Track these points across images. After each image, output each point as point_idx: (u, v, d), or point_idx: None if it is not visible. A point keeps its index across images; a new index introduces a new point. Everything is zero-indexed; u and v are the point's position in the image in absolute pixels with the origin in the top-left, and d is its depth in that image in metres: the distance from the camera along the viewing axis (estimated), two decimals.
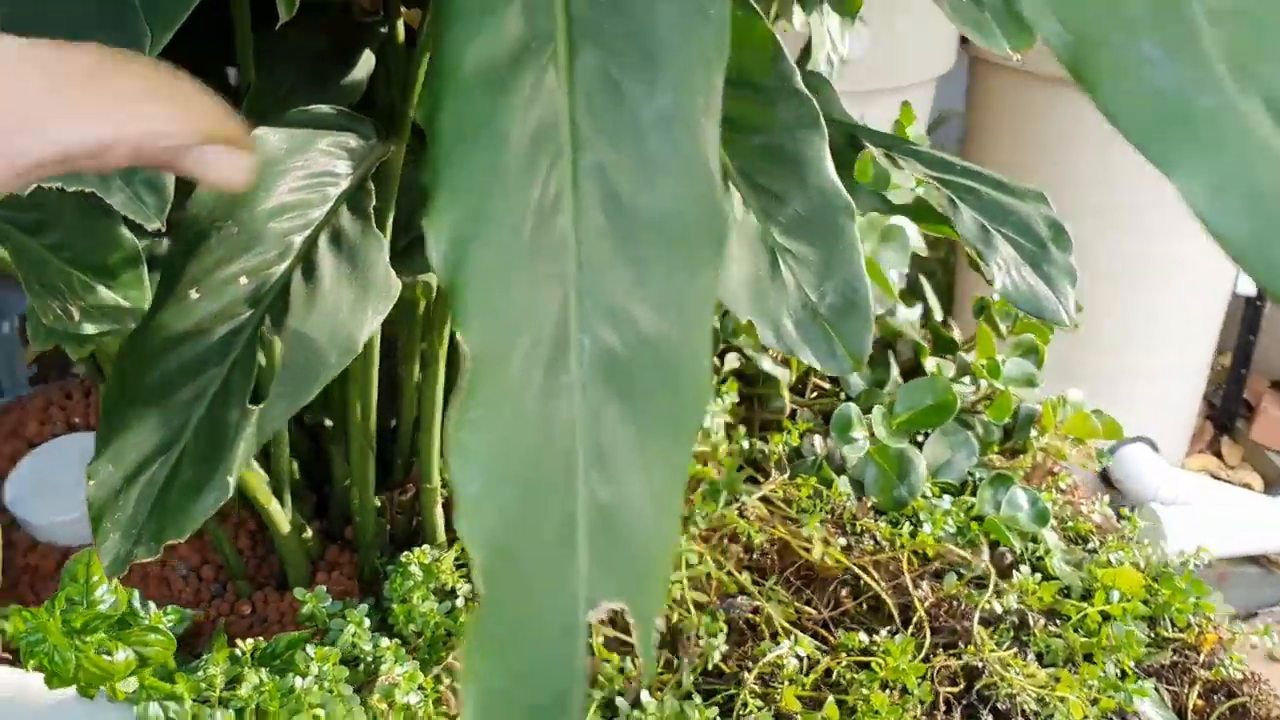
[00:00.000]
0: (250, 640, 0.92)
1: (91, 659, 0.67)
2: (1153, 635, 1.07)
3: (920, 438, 1.23)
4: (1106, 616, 1.05)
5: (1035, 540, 1.15)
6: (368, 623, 0.95)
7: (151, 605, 0.78)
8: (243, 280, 0.57)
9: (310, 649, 0.89)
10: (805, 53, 0.96)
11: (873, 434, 1.13)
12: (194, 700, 0.84)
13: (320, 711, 0.87)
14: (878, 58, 1.91)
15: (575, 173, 0.33)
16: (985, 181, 0.69)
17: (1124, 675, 1.00)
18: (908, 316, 1.52)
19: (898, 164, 0.67)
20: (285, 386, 0.55)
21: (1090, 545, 1.18)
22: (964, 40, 2.15)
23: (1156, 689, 1.02)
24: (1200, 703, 1.01)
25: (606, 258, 0.33)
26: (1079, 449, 1.32)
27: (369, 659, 0.94)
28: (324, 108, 0.64)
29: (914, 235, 1.36)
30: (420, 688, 0.90)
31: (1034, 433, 1.29)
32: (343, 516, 1.15)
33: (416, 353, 1.02)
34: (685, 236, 0.34)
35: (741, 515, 1.10)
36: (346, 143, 0.63)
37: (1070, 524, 1.20)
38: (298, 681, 0.88)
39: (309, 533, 1.12)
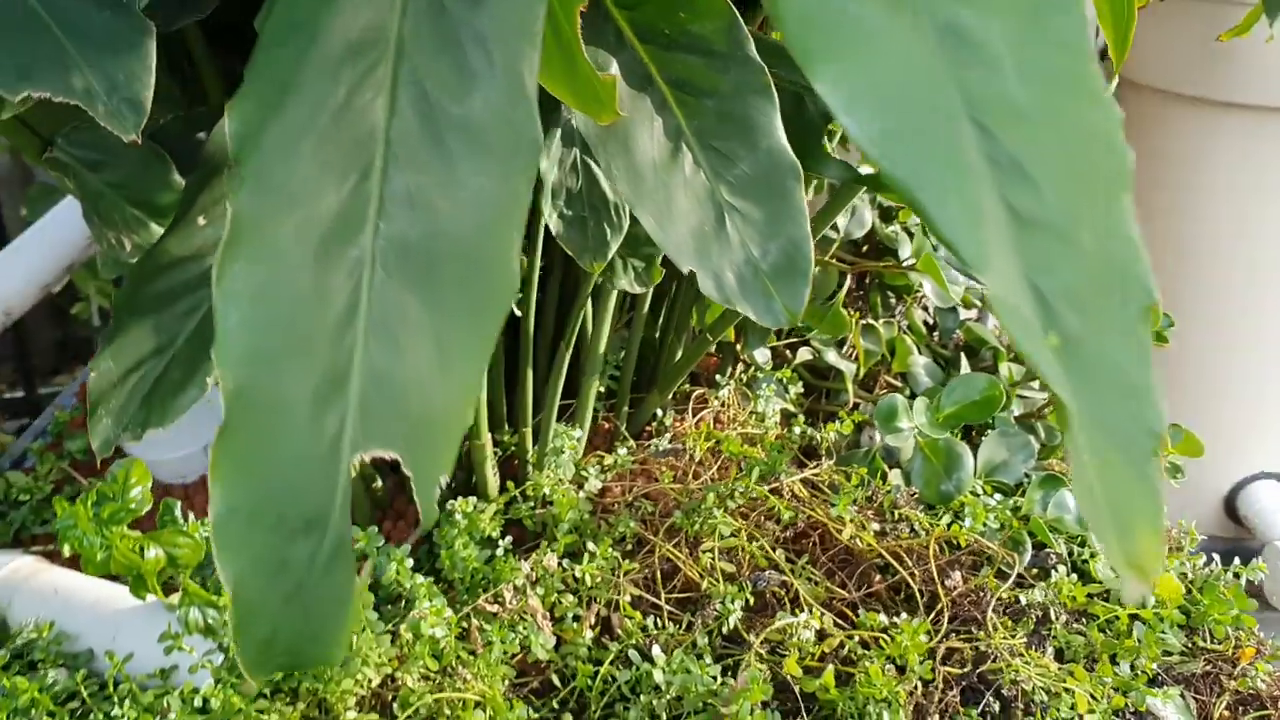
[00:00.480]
0: None
1: (121, 549, 0.76)
2: (1189, 645, 1.06)
3: (979, 437, 1.24)
4: (1141, 621, 1.04)
5: (1083, 544, 1.15)
6: (410, 563, 1.02)
7: (191, 515, 0.87)
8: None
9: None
10: None
11: (919, 426, 1.15)
12: None
13: (354, 634, 0.95)
14: None
15: (395, 77, 0.38)
16: None
17: (1151, 681, 1.00)
18: (993, 322, 1.52)
19: None
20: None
21: None
22: (1103, 55, 2.12)
23: (1183, 696, 1.01)
24: (1227, 714, 1.00)
25: (414, 155, 0.38)
26: None
27: (409, 597, 1.02)
28: None
29: None
30: (446, 622, 0.97)
31: None
32: None
33: None
34: (496, 145, 0.39)
35: (779, 495, 1.13)
36: None
37: None
38: None
39: (379, 483, 1.21)
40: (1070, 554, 1.14)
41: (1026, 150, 0.31)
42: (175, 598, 0.93)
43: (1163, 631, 1.05)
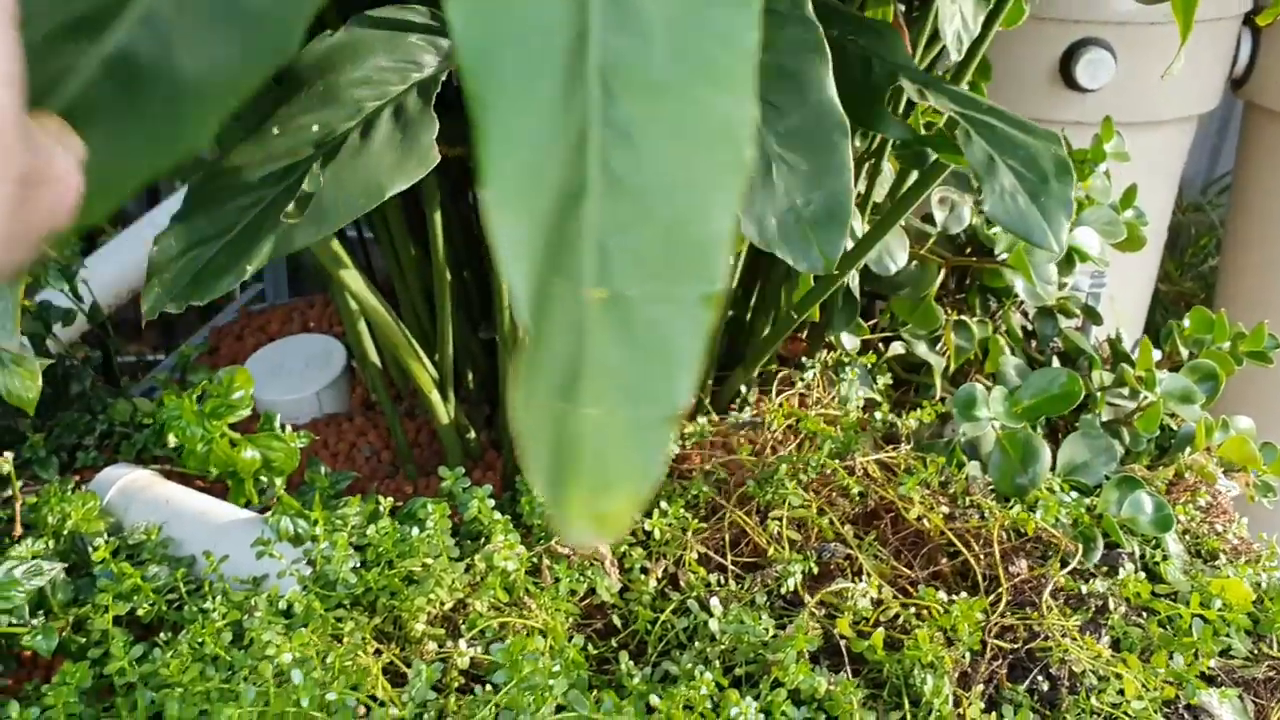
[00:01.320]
0: (390, 499, 1.07)
1: (220, 445, 0.84)
2: (1255, 650, 1.05)
3: (1064, 437, 1.25)
4: (1204, 622, 1.04)
5: (1156, 545, 1.15)
6: (491, 502, 1.08)
7: (289, 426, 0.94)
8: (314, 128, 0.72)
9: (430, 506, 1.04)
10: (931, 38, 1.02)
11: (997, 415, 1.16)
12: (325, 526, 1.00)
13: (429, 560, 1.01)
14: (1130, 91, 1.90)
15: None
16: (1005, 120, 0.74)
17: (1210, 680, 1.00)
18: (1097, 334, 1.52)
19: (927, 98, 0.73)
20: (317, 212, 0.69)
21: (1217, 563, 1.16)
22: (1235, 83, 2.09)
23: (1241, 698, 1.00)
24: None
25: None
26: (1238, 475, 1.29)
27: (487, 533, 1.08)
28: (421, 10, 0.78)
29: (1094, 244, 1.37)
30: (518, 557, 1.03)
31: (1187, 452, 1.27)
32: (506, 427, 1.29)
33: None
34: None
35: (851, 473, 1.16)
36: (438, 41, 0.77)
37: (1201, 541, 1.18)
38: (413, 531, 1.02)
39: (473, 434, 1.28)
40: (1142, 555, 1.14)
41: (645, 121, 0.31)
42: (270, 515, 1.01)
43: (1227, 634, 1.04)
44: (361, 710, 0.84)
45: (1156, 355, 1.50)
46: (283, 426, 0.93)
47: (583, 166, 0.32)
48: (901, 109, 1.14)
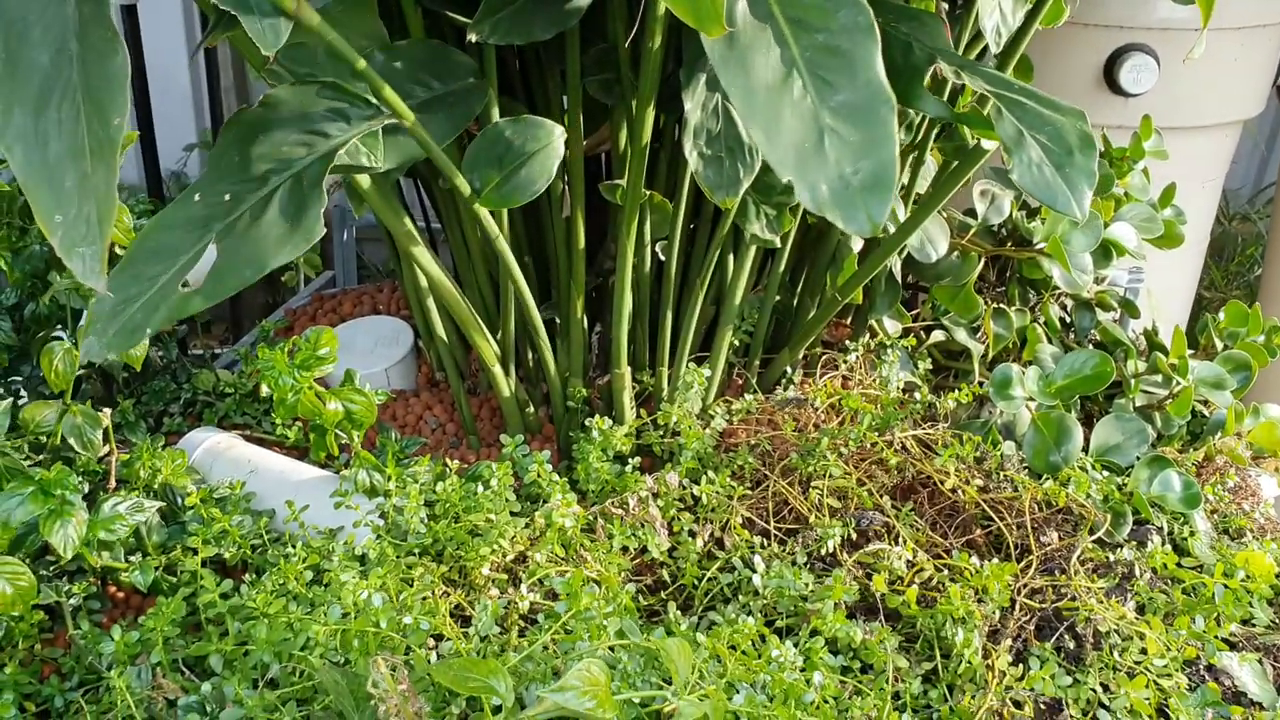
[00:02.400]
0: (457, 462, 1.15)
1: (307, 395, 0.92)
2: (1276, 620, 1.10)
3: (1095, 421, 1.30)
4: (1227, 589, 1.09)
5: (1185, 522, 1.19)
6: (549, 466, 1.15)
7: (368, 384, 1.02)
8: (226, 197, 0.81)
9: (494, 465, 1.11)
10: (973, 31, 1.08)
11: (1031, 393, 1.22)
12: (398, 482, 1.08)
13: (492, 515, 1.08)
14: (1173, 95, 1.94)
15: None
16: (1035, 99, 0.80)
17: (1232, 646, 1.05)
18: (1135, 326, 1.57)
19: (963, 78, 0.80)
20: (211, 281, 0.78)
21: (1243, 539, 1.20)
22: None
23: (1261, 662, 1.05)
24: None
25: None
26: (1268, 461, 1.34)
27: (545, 495, 1.15)
28: (341, 89, 0.87)
29: (1130, 238, 1.42)
30: (575, 515, 1.09)
31: (1218, 436, 1.32)
32: (563, 401, 1.37)
33: (630, 260, 1.21)
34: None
35: (890, 446, 1.22)
36: (346, 113, 0.86)
37: (1229, 519, 1.23)
38: (479, 489, 1.10)
39: (531, 409, 1.36)
40: (1171, 531, 1.19)
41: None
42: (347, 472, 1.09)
43: (1249, 603, 1.09)
44: (431, 641, 0.91)
45: (1191, 350, 1.54)
46: (365, 384, 1.01)
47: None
48: (946, 95, 1.20)
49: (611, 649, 0.90)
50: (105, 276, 0.68)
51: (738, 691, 0.85)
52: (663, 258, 1.21)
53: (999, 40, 1.04)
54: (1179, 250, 2.09)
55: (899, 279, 1.36)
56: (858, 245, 1.31)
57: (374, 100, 0.88)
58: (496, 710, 0.72)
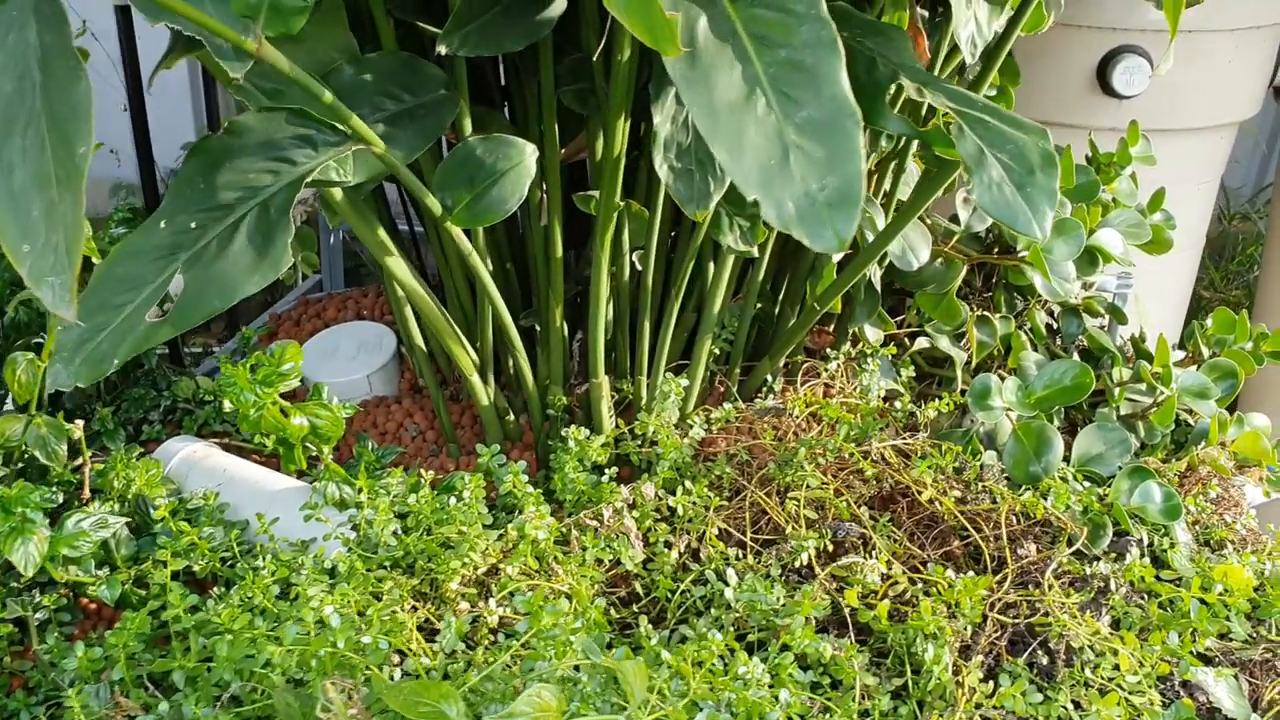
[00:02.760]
0: (432, 473, 1.14)
1: (270, 411, 0.91)
2: (1254, 634, 1.09)
3: (1080, 430, 1.29)
4: (1205, 605, 1.08)
5: (1165, 534, 1.19)
6: (525, 478, 1.15)
7: (336, 398, 1.02)
8: (193, 225, 0.80)
9: (466, 477, 1.11)
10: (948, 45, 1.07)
11: (1010, 404, 1.21)
12: (369, 494, 1.07)
13: (464, 527, 1.08)
14: (1167, 98, 1.93)
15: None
16: (998, 116, 0.79)
17: (1207, 661, 1.04)
18: (1118, 332, 1.56)
19: (925, 96, 0.79)
20: (178, 311, 0.78)
21: (1224, 552, 1.20)
22: (1278, 91, 2.11)
23: (1237, 677, 1.04)
24: (1277, 697, 1.03)
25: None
26: (1252, 471, 1.33)
27: (520, 506, 1.14)
28: (309, 115, 0.86)
29: (1117, 244, 1.41)
30: (548, 527, 1.09)
31: (1202, 446, 1.31)
32: (541, 410, 1.36)
33: (604, 270, 1.21)
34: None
35: (867, 457, 1.21)
36: (313, 139, 0.85)
37: (1210, 531, 1.22)
38: (451, 500, 1.09)
39: (511, 417, 1.35)
40: (1151, 543, 1.18)
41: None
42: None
43: (1227, 618, 1.08)
44: (395, 658, 0.91)
45: (1180, 354, 1.53)
46: (332, 398, 1.00)
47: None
48: (925, 110, 1.19)
49: (577, 668, 0.89)
50: (75, 305, 0.68)
51: (700, 710, 0.85)
52: (640, 267, 1.21)
53: (974, 51, 1.03)
54: (1174, 253, 2.09)
55: (878, 287, 1.35)
56: (838, 254, 1.31)
57: (341, 127, 0.87)
58: None
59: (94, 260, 1.09)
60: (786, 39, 0.76)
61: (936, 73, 1.20)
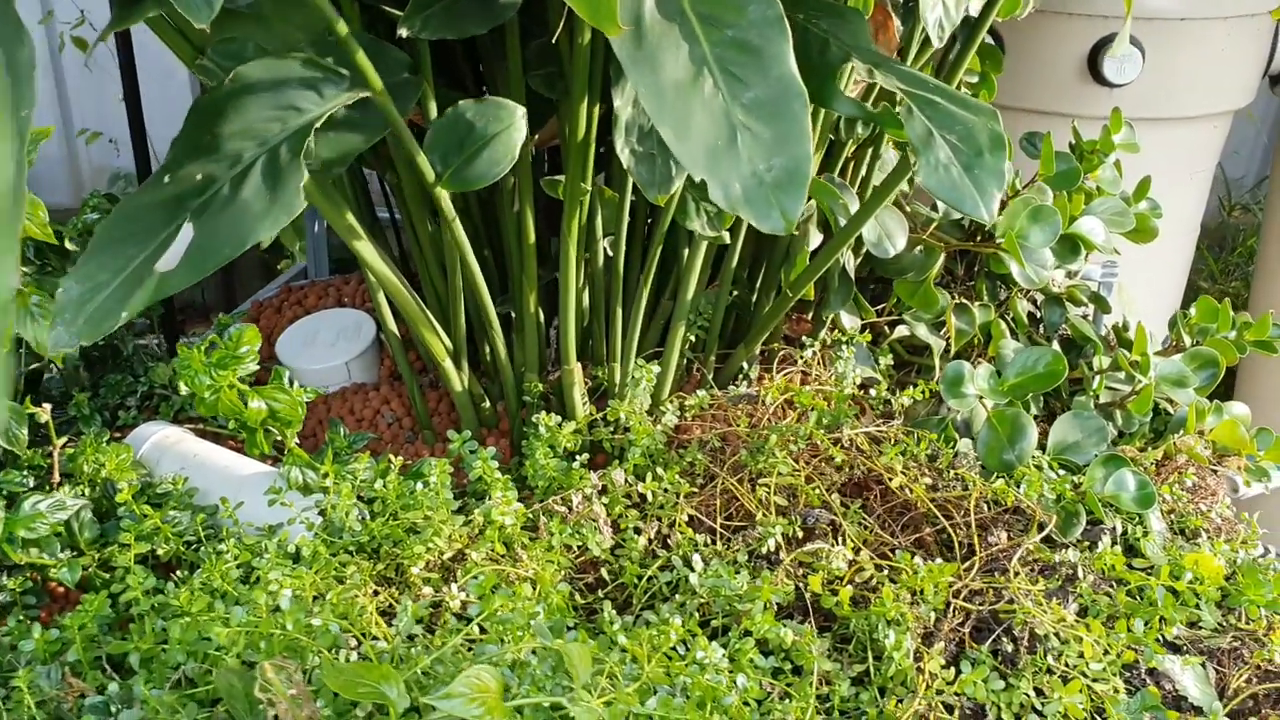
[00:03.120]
0: (401, 459, 1.14)
1: (227, 394, 0.91)
2: (1224, 623, 1.08)
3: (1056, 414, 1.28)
4: (1174, 594, 1.07)
5: (1139, 522, 1.18)
6: (495, 464, 1.15)
7: (298, 383, 1.02)
8: (198, 177, 0.80)
9: (434, 462, 1.11)
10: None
11: (982, 391, 1.20)
12: (335, 479, 1.07)
13: (430, 512, 1.08)
14: (1159, 86, 1.92)
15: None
16: (948, 98, 0.79)
17: (1175, 650, 1.03)
18: (1103, 321, 1.55)
19: (876, 77, 0.78)
20: (189, 260, 0.78)
21: (1198, 540, 1.19)
22: (1274, 80, 2.09)
23: (1204, 665, 1.04)
24: (1245, 685, 1.02)
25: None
26: (1231, 460, 1.32)
27: (489, 491, 1.14)
28: (314, 62, 0.85)
29: (1099, 231, 1.40)
30: (515, 513, 1.09)
31: (1180, 434, 1.30)
32: (517, 396, 1.36)
33: (572, 256, 1.20)
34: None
35: (839, 444, 1.21)
36: (320, 87, 0.85)
37: (1185, 519, 1.21)
38: (418, 486, 1.09)
39: (488, 404, 1.35)
40: (1125, 532, 1.17)
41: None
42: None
43: (1196, 606, 1.08)
44: (353, 641, 0.91)
45: (1164, 343, 1.52)
46: (291, 383, 1.00)
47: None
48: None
49: (534, 652, 0.89)
50: (17, 272, 0.68)
51: (654, 694, 0.85)
52: (610, 253, 1.20)
53: (941, 34, 1.02)
54: (1167, 242, 2.07)
55: (851, 274, 1.34)
56: (815, 241, 1.30)
57: (345, 72, 0.87)
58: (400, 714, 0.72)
59: (51, 242, 1.09)
60: (734, 19, 0.75)
61: (910, 59, 1.20)
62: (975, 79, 1.45)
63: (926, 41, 1.22)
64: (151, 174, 0.84)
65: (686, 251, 1.26)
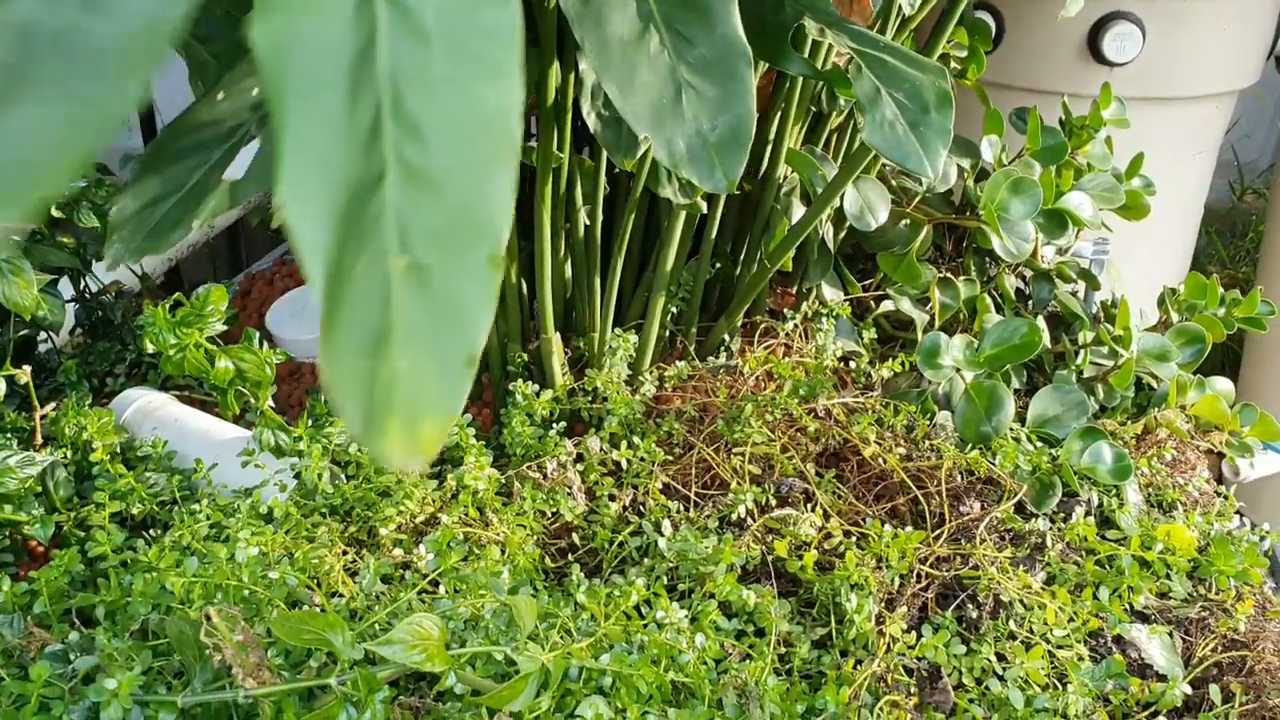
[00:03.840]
0: None
1: (193, 353, 0.93)
2: (1194, 593, 1.08)
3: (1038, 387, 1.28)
4: (1145, 564, 1.07)
5: (1116, 494, 1.18)
6: (471, 432, 1.16)
7: (266, 344, 1.03)
8: (254, 91, 0.80)
9: None
10: None
11: (957, 361, 1.20)
12: (308, 441, 1.08)
13: (403, 476, 1.09)
14: (1160, 65, 1.90)
15: None
16: (898, 56, 0.79)
17: (1144, 619, 1.03)
18: (1094, 298, 1.55)
19: (826, 37, 0.78)
20: (257, 169, 0.78)
21: (1174, 513, 1.19)
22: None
23: (1171, 635, 1.04)
24: (1210, 654, 1.02)
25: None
26: (1213, 435, 1.31)
27: (464, 457, 1.15)
28: None
29: (1087, 207, 1.39)
30: (488, 478, 1.10)
31: (1161, 409, 1.30)
32: (501, 366, 1.37)
33: (547, 225, 1.21)
34: None
35: (814, 414, 1.21)
36: None
37: (1162, 492, 1.21)
38: None
39: None
40: (1100, 504, 1.17)
41: (429, 114, 0.37)
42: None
43: (1167, 576, 1.08)
44: (315, 599, 0.92)
45: (1154, 319, 1.52)
46: (260, 344, 1.02)
47: (380, 157, 0.38)
48: None
49: (494, 610, 0.90)
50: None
51: (609, 650, 0.86)
52: (587, 221, 1.21)
53: (913, 3, 1.02)
54: (1168, 223, 2.06)
55: (831, 246, 1.35)
56: (798, 214, 1.30)
57: None
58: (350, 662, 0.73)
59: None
60: None
61: (889, 28, 1.20)
62: (964, 53, 1.45)
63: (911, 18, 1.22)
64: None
65: (666, 223, 1.26)
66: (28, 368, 1.09)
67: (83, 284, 1.37)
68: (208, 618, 0.68)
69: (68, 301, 1.28)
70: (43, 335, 1.36)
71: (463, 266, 0.41)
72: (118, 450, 1.08)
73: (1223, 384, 1.33)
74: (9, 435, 1.12)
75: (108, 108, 0.49)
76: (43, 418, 1.15)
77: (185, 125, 0.79)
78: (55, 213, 1.24)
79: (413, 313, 0.40)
